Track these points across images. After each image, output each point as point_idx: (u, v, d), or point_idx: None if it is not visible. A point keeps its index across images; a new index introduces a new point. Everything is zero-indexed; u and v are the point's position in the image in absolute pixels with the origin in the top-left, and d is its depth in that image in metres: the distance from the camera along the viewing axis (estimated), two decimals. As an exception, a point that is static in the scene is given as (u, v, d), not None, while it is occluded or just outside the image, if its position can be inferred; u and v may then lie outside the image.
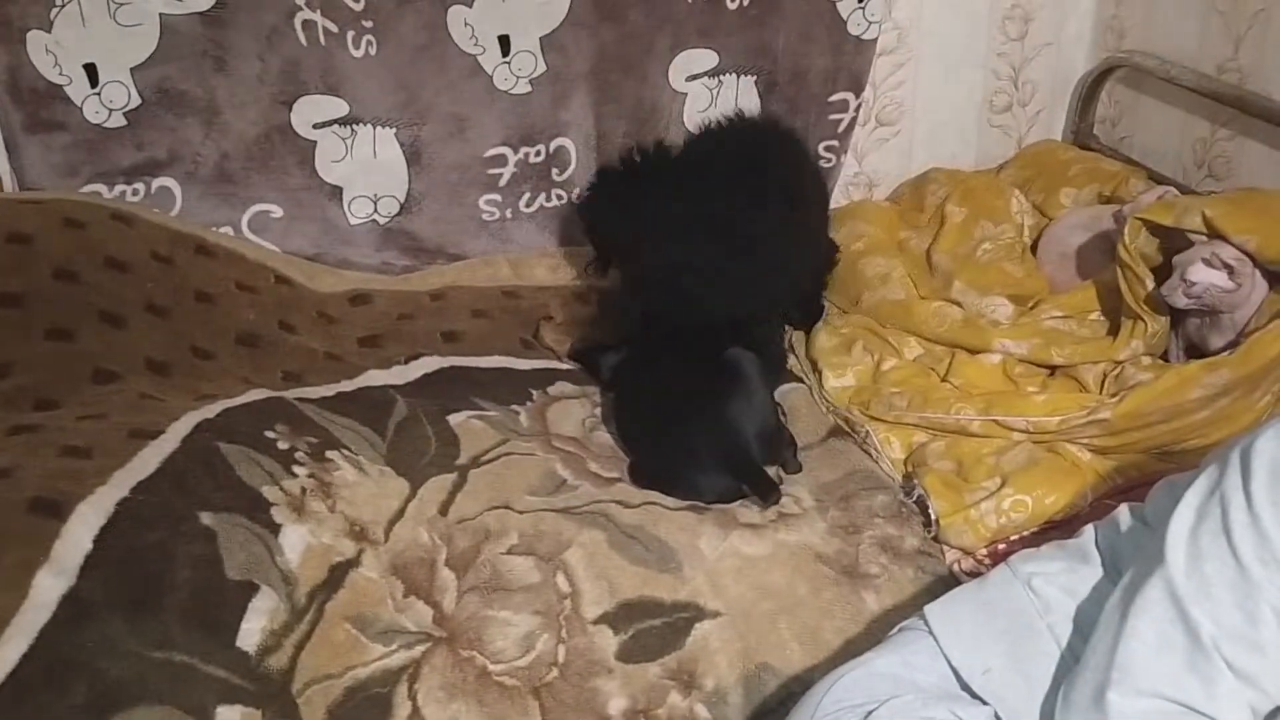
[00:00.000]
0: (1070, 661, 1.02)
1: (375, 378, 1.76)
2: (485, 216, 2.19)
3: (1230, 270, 1.64)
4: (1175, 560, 0.92)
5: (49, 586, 1.12)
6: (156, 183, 2.00)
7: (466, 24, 2.03)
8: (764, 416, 1.66)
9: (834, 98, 2.33)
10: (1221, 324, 1.71)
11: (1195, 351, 1.77)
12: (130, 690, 1.08)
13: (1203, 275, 1.65)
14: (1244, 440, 0.93)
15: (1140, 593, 0.93)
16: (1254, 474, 0.89)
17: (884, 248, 2.16)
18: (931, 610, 1.13)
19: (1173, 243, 1.75)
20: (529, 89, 2.12)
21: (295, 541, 1.32)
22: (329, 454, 1.49)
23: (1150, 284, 1.75)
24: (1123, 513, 1.11)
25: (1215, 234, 1.68)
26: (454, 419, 1.67)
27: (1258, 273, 1.67)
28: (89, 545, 1.16)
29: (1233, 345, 1.68)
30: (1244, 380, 1.60)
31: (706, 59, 2.21)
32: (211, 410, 1.45)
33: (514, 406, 1.75)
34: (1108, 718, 0.91)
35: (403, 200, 2.15)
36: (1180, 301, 1.68)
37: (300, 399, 1.60)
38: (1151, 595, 0.92)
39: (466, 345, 1.90)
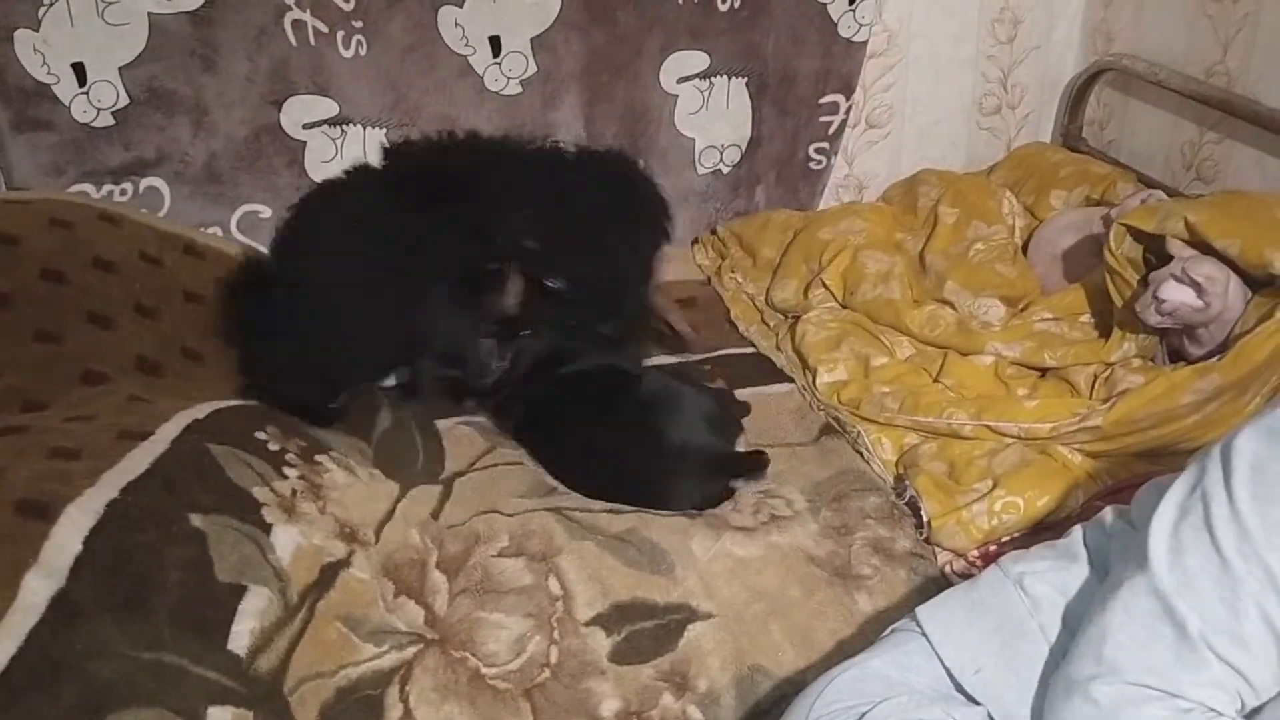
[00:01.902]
0: (1059, 660, 1.02)
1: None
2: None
3: (1198, 289, 1.64)
4: (1158, 556, 0.93)
5: (38, 588, 1.10)
6: (144, 182, 1.99)
7: (457, 24, 2.03)
8: (700, 415, 1.64)
9: (824, 100, 2.34)
10: (1199, 337, 1.71)
11: (1178, 357, 1.77)
12: (120, 692, 1.07)
13: (1173, 294, 1.64)
14: (1224, 438, 0.94)
15: (1125, 589, 0.94)
16: (1234, 470, 0.90)
17: (883, 244, 2.16)
18: (923, 611, 1.13)
19: (1159, 246, 1.75)
20: (520, 90, 2.12)
21: (286, 542, 1.31)
22: (318, 457, 1.49)
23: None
24: (1108, 514, 1.11)
25: (1198, 239, 1.69)
26: (442, 424, 1.69)
27: (1233, 288, 1.66)
28: (78, 547, 1.15)
29: (1214, 354, 1.68)
30: (1234, 385, 1.60)
31: (697, 61, 2.22)
32: (201, 411, 1.44)
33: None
34: (1094, 705, 0.92)
35: (392, 201, 2.14)
36: (1153, 320, 1.67)
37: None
38: (1137, 591, 0.93)
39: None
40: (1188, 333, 1.72)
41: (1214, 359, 1.65)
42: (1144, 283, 1.75)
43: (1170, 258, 1.70)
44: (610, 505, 1.55)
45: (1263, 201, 1.78)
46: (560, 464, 1.63)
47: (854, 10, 2.25)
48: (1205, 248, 1.69)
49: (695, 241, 2.40)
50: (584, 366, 1.71)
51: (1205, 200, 1.85)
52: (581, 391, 1.68)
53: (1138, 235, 1.78)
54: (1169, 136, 2.33)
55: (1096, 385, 1.75)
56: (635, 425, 1.63)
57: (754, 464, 1.62)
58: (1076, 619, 1.03)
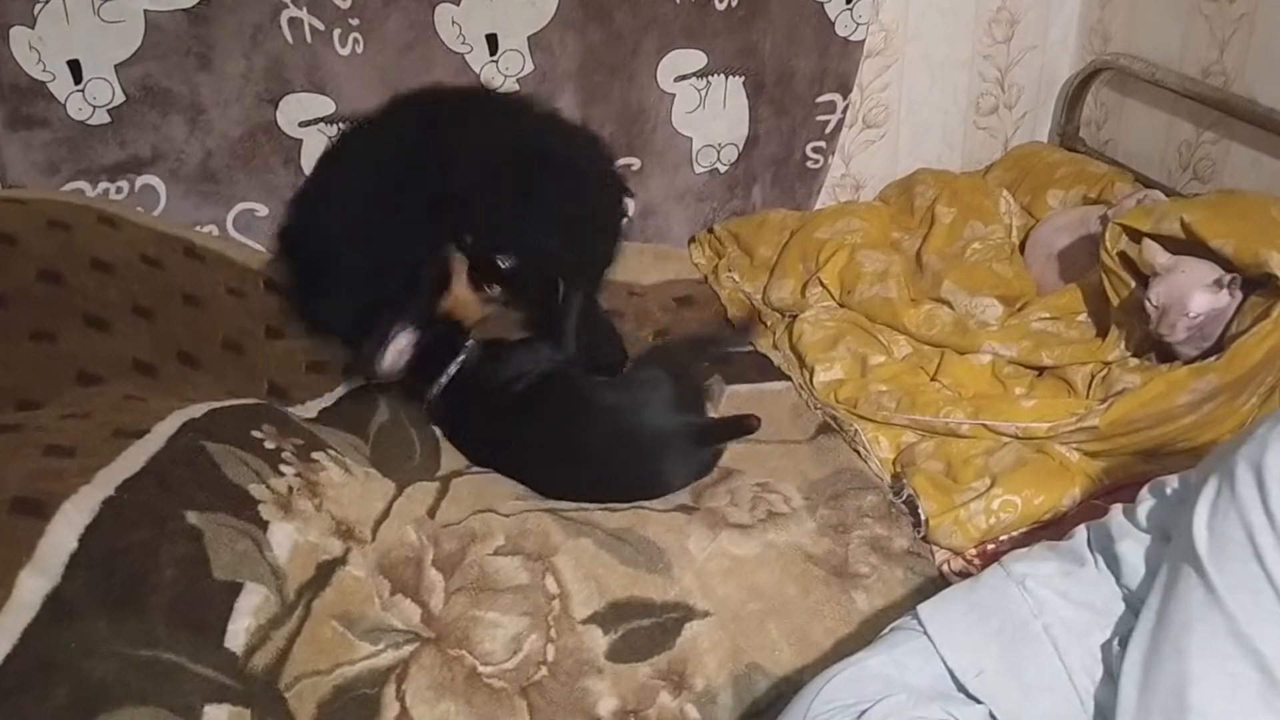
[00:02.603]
0: (1067, 666, 1.02)
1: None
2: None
3: (1230, 288, 1.63)
4: (1222, 590, 0.87)
5: (32, 587, 1.10)
6: (140, 181, 1.98)
7: (454, 22, 2.03)
8: (664, 393, 1.61)
9: (821, 99, 2.34)
10: (1190, 336, 1.71)
11: (1166, 358, 1.77)
12: (114, 691, 1.07)
13: (1206, 304, 1.63)
14: (1247, 450, 0.88)
15: (1199, 628, 0.89)
16: (1270, 492, 0.85)
17: (879, 243, 2.16)
18: (925, 610, 1.12)
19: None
20: (516, 88, 2.12)
21: (282, 539, 1.30)
22: (315, 455, 1.48)
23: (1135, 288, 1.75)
24: (1115, 517, 1.09)
25: (1194, 238, 1.69)
26: (439, 429, 1.68)
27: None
28: (73, 544, 1.15)
29: (1210, 352, 1.68)
30: (1230, 385, 1.60)
31: (694, 59, 2.21)
32: (198, 410, 1.43)
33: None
34: None
35: (388, 199, 2.14)
36: (1181, 336, 1.66)
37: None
38: (1212, 632, 0.88)
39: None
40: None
41: (1210, 359, 1.65)
42: (1132, 303, 1.73)
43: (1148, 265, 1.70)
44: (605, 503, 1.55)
45: (1258, 201, 1.78)
46: (538, 476, 1.60)
47: (851, 9, 2.25)
48: (1201, 248, 1.69)
49: (692, 240, 2.39)
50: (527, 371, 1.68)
51: (1201, 200, 1.85)
52: (537, 398, 1.64)
53: (1133, 235, 1.78)
54: (1166, 136, 2.34)
55: (1093, 385, 1.75)
56: (603, 422, 1.60)
57: (742, 426, 1.60)
58: (1086, 629, 1.02)
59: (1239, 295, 1.65)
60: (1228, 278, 1.63)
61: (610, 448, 1.58)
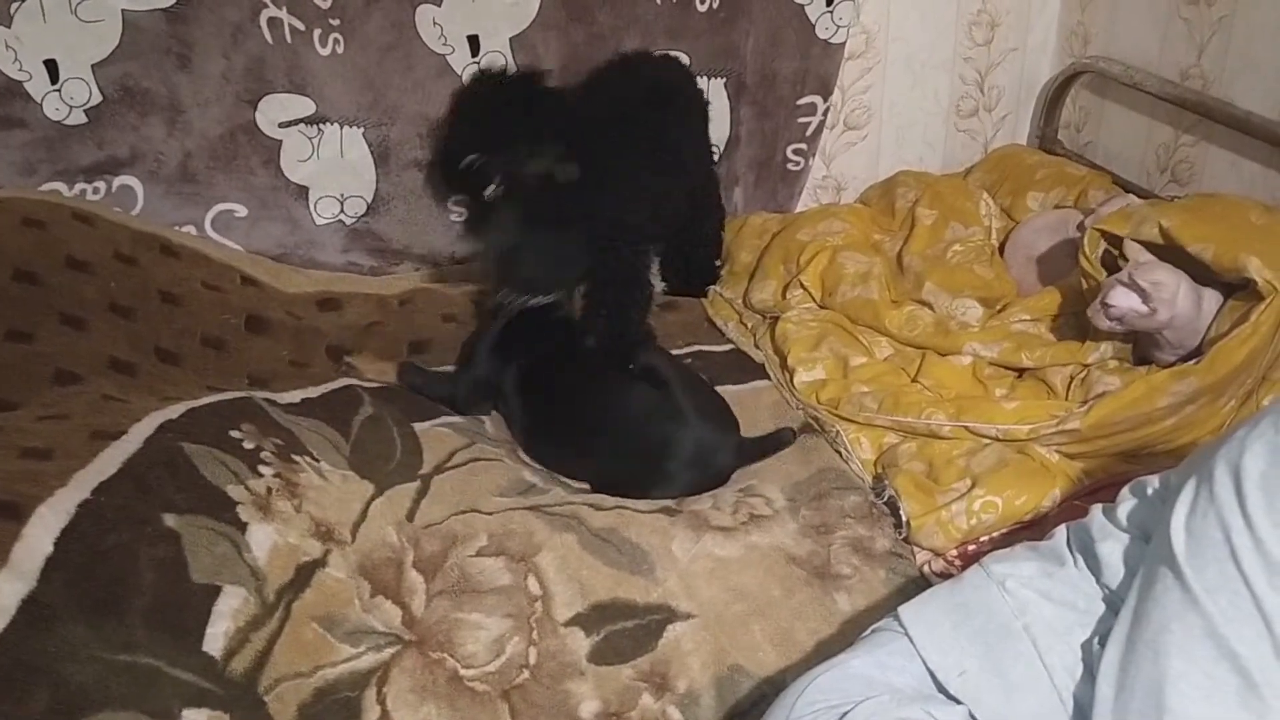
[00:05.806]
0: (1044, 669, 1.02)
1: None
2: (454, 218, 2.18)
3: (1144, 295, 1.64)
4: (1200, 593, 0.87)
5: (8, 591, 1.09)
6: (118, 181, 1.97)
7: (435, 23, 2.02)
8: (703, 399, 1.69)
9: (802, 101, 2.34)
10: (1160, 342, 1.71)
11: (1145, 363, 1.77)
12: (93, 695, 1.06)
13: (1121, 300, 1.65)
14: (1226, 452, 0.89)
15: (1177, 630, 0.88)
16: (1248, 495, 0.85)
17: (861, 245, 2.16)
18: (906, 611, 1.12)
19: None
20: (500, 90, 2.11)
21: (262, 540, 1.30)
22: (294, 455, 1.47)
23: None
24: (1095, 517, 1.09)
25: (1172, 243, 1.69)
26: (420, 426, 1.67)
27: (1184, 294, 1.65)
28: (49, 548, 1.14)
29: (1186, 358, 1.69)
30: (1211, 388, 1.61)
31: (676, 61, 2.21)
32: (175, 411, 1.42)
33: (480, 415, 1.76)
34: None
35: (370, 201, 2.13)
36: (1103, 325, 1.68)
37: (267, 400, 1.58)
38: (1191, 634, 0.87)
39: (434, 356, 1.89)
40: (1151, 339, 1.72)
41: (1191, 362, 1.65)
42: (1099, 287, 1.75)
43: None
44: (591, 499, 1.54)
45: (1237, 205, 1.79)
46: (560, 451, 1.68)
47: (832, 12, 2.26)
48: (1179, 252, 1.70)
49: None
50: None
51: (1179, 204, 1.86)
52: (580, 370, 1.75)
53: (1110, 240, 1.79)
54: (1144, 139, 2.35)
55: (1073, 386, 1.75)
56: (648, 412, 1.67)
57: (780, 441, 1.70)
58: (1068, 628, 1.03)
59: (1169, 311, 1.64)
60: (1135, 282, 1.63)
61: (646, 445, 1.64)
